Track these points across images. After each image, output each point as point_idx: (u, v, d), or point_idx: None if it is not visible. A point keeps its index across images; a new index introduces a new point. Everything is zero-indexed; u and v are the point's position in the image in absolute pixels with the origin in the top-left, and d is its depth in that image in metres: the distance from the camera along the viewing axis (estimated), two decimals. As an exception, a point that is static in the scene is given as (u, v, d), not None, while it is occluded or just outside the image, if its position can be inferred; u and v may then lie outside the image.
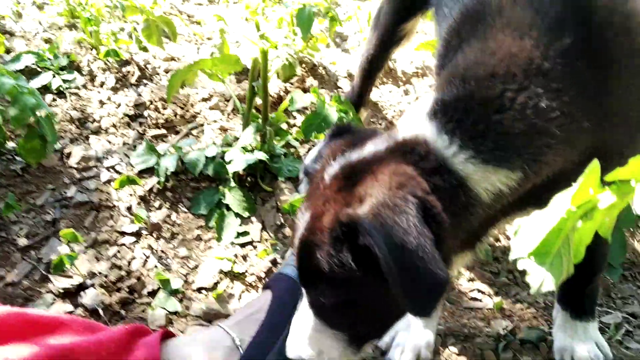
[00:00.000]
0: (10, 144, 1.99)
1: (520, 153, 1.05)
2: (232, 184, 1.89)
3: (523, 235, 0.64)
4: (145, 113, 2.25)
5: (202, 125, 2.21)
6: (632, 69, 1.12)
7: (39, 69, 2.42)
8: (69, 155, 1.96)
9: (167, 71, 2.50)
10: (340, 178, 1.07)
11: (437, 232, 0.96)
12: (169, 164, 1.89)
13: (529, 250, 0.62)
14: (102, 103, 2.30)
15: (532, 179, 1.08)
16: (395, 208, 0.94)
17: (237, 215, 1.85)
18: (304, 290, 1.16)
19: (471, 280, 1.78)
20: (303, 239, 1.08)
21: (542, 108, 1.03)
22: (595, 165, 0.60)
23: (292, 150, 2.11)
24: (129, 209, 1.84)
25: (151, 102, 2.29)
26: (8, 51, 2.50)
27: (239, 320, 1.40)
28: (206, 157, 1.91)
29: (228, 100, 2.34)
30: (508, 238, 1.88)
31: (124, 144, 2.08)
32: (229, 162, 1.87)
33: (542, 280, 0.62)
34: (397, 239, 0.91)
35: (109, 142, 2.11)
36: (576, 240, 0.66)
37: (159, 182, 1.89)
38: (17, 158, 1.91)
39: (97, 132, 2.15)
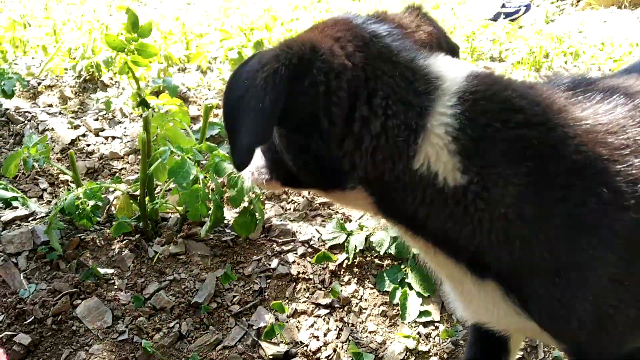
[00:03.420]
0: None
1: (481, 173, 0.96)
2: (414, 263, 2.04)
3: None
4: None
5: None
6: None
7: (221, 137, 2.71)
8: (269, 228, 2.18)
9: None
10: None
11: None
12: (357, 242, 2.07)
13: None
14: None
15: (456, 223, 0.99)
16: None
17: (418, 294, 2.00)
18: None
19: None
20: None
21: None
22: None
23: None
24: (322, 281, 2.03)
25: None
26: (193, 121, 2.82)
27: None
28: (391, 237, 2.08)
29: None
30: None
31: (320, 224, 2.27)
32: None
33: None
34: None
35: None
36: None
37: (347, 258, 2.08)
38: (227, 230, 2.16)
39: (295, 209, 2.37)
